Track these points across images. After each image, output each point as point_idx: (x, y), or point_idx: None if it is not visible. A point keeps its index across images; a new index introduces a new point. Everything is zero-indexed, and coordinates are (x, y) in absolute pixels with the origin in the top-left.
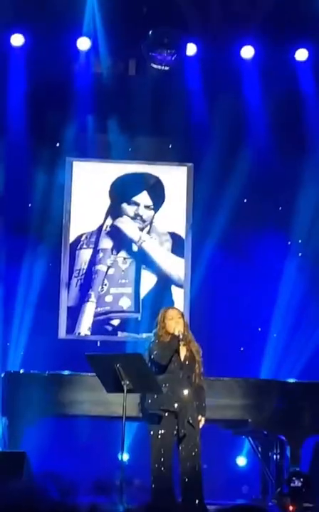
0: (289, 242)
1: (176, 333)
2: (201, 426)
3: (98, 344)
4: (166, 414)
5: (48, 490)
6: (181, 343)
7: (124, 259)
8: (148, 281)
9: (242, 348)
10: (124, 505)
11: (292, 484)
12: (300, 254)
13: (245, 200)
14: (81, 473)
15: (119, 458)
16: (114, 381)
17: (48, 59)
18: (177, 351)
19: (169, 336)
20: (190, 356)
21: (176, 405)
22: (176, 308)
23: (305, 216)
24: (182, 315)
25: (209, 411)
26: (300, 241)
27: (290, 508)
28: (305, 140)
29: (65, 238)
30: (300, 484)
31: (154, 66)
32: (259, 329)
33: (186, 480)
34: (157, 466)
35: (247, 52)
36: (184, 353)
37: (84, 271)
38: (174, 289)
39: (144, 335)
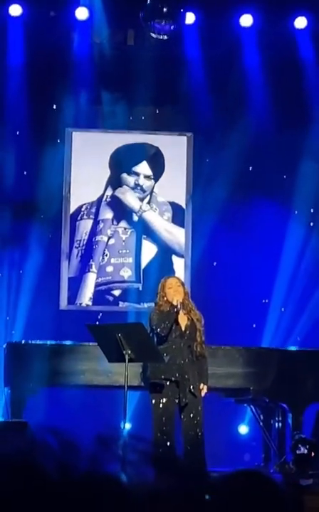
0: (296, 212)
1: (174, 303)
2: (203, 394)
3: (99, 316)
4: (168, 383)
5: (49, 445)
6: (183, 312)
7: (125, 229)
8: (149, 251)
9: (254, 325)
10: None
11: (297, 451)
12: (311, 224)
13: (250, 168)
14: (84, 440)
15: (122, 427)
16: (115, 351)
17: (46, 29)
18: (176, 320)
19: (169, 305)
20: (191, 325)
21: (177, 374)
22: (176, 277)
23: (313, 185)
24: (182, 283)
25: (211, 379)
26: (312, 210)
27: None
28: (306, 108)
29: (65, 209)
30: (305, 451)
31: (153, 35)
32: (265, 301)
33: (189, 448)
34: (159, 434)
35: (246, 20)
36: (185, 321)
37: (84, 242)
38: (174, 258)
39: (146, 305)
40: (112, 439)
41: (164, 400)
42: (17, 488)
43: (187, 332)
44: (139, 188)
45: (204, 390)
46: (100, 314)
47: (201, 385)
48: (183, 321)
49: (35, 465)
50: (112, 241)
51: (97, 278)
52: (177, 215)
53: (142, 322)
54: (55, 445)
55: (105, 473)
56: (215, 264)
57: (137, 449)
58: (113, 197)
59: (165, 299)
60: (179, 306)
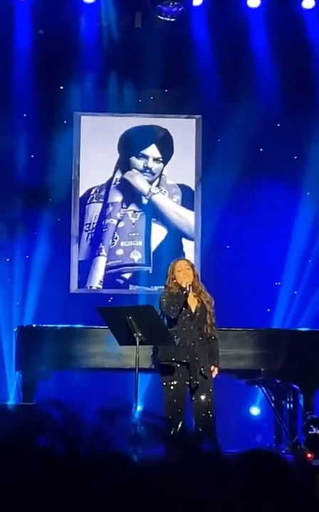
0: (308, 193)
1: (183, 285)
2: (214, 376)
3: (110, 300)
4: (179, 365)
5: (51, 417)
6: (192, 294)
7: (134, 212)
8: (158, 234)
9: (269, 309)
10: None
11: (310, 432)
12: None
13: (261, 150)
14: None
15: (133, 409)
16: (126, 333)
17: (53, 12)
18: (186, 303)
19: (179, 288)
20: (201, 307)
21: (188, 356)
22: (186, 260)
23: None
24: (192, 266)
25: (222, 361)
26: None
27: (309, 455)
28: (315, 88)
29: (74, 193)
30: (318, 431)
31: (161, 18)
32: (277, 283)
33: (200, 430)
34: (170, 417)
35: (253, 1)
36: (195, 304)
37: (94, 225)
38: (184, 241)
39: (156, 288)
40: (119, 412)
41: (175, 382)
42: (21, 464)
43: (197, 314)
44: (148, 170)
45: (214, 371)
46: (111, 298)
47: (212, 366)
48: (193, 303)
49: (38, 442)
50: (121, 224)
51: (107, 261)
52: (187, 198)
53: (153, 305)
54: (58, 418)
55: (112, 448)
56: (228, 247)
57: (149, 424)
58: (122, 180)
59: (175, 281)
60: (188, 289)
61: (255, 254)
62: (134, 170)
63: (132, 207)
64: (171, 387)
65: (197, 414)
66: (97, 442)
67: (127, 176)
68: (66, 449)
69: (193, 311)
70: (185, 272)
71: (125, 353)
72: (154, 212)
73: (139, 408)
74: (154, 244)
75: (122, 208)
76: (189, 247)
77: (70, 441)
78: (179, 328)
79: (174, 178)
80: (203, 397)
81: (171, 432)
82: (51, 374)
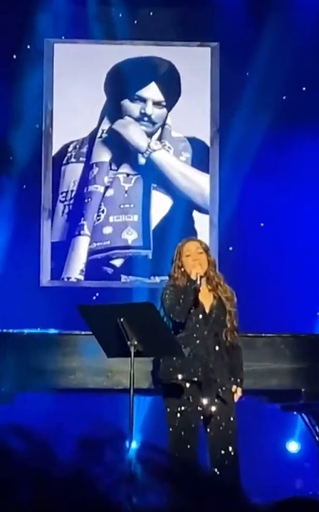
0: None
1: (193, 276)
2: (236, 400)
3: (95, 296)
4: (188, 385)
5: (12, 447)
6: (207, 287)
7: (128, 175)
8: (161, 205)
9: None
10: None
11: None
12: None
13: (304, 89)
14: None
15: (126, 446)
16: (117, 341)
17: None
18: (197, 300)
19: (188, 280)
20: (218, 306)
21: (200, 373)
22: (198, 241)
23: None
24: (205, 249)
25: (248, 379)
26: None
27: None
28: None
29: (45, 150)
30: None
31: None
32: None
33: (218, 472)
34: (177, 454)
35: None
36: (210, 301)
37: (73, 194)
38: (196, 215)
39: (158, 279)
40: (106, 443)
41: (184, 408)
42: None
43: (213, 315)
44: (146, 119)
45: (237, 393)
46: (97, 294)
47: (234, 386)
48: (207, 300)
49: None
50: (110, 192)
51: (90, 243)
52: (199, 156)
53: (153, 302)
54: (21, 449)
55: (95, 493)
56: (263, 225)
57: (148, 461)
58: (111, 132)
59: (182, 270)
60: (199, 281)
61: (294, 232)
62: (127, 118)
63: (125, 169)
64: (178, 415)
65: (214, 451)
66: (75, 484)
67: (118, 126)
68: (31, 491)
69: (207, 310)
70: (196, 258)
71: (116, 368)
72: (154, 176)
73: (134, 444)
74: (155, 219)
75: (111, 170)
76: (203, 223)
77: (37, 481)
78: (189, 334)
79: (182, 129)
80: (221, 428)
81: (178, 472)
82: (15, 397)
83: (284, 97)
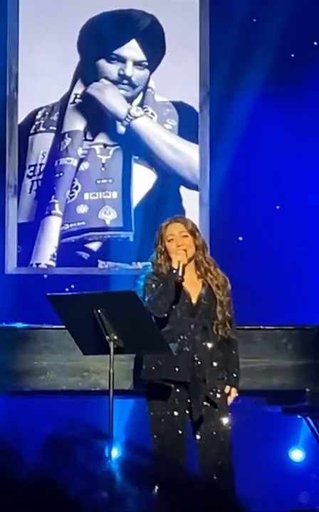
0: None
1: (174, 265)
2: (230, 401)
3: (71, 287)
4: (174, 385)
5: None
6: (196, 274)
7: (105, 146)
8: (143, 180)
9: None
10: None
11: None
12: None
13: (315, 44)
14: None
15: (106, 455)
16: (93, 336)
17: None
18: (181, 290)
19: (170, 267)
20: (207, 295)
21: (187, 372)
22: (183, 221)
23: None
24: (192, 231)
25: (244, 378)
26: None
27: None
28: None
29: (10, 118)
30: None
31: None
32: None
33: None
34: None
35: None
36: (197, 289)
37: (42, 167)
38: (183, 191)
39: (140, 264)
40: (80, 442)
41: (169, 412)
42: None
43: (201, 306)
44: (126, 81)
45: (232, 394)
46: (72, 285)
47: (227, 387)
48: (194, 288)
49: None
50: (85, 166)
51: (63, 224)
52: (187, 124)
53: (135, 291)
54: None
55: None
56: (278, 207)
57: (130, 463)
58: (86, 96)
59: (165, 255)
60: (180, 271)
61: (295, 209)
62: (103, 80)
63: (101, 138)
64: (163, 420)
65: (204, 460)
66: (42, 490)
67: (93, 89)
68: None
69: (194, 301)
70: (179, 240)
71: (93, 366)
72: (136, 147)
73: (115, 453)
74: (137, 196)
75: (86, 140)
76: (192, 201)
77: None
78: (173, 328)
79: (167, 92)
80: (213, 436)
81: (165, 473)
82: None
83: (292, 55)
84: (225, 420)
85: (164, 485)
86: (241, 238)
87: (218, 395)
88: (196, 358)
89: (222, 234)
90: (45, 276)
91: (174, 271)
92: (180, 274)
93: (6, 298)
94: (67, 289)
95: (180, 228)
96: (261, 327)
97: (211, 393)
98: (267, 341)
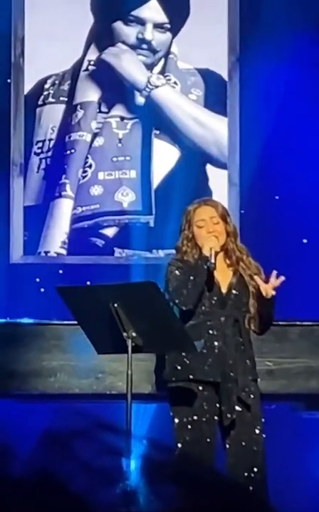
0: None
1: (206, 253)
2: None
3: (81, 279)
4: (201, 387)
5: None
6: (225, 262)
7: (122, 119)
8: (165, 158)
9: None
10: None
11: None
12: None
13: None
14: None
15: (124, 466)
16: (109, 333)
17: None
18: (212, 279)
19: (199, 255)
20: (238, 285)
21: (216, 371)
22: (213, 204)
23: None
24: (223, 215)
25: (280, 379)
26: None
27: None
28: None
29: (15, 87)
30: None
31: None
32: None
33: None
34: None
35: None
36: (228, 279)
37: (51, 143)
38: (210, 170)
39: (162, 253)
40: (84, 432)
41: (196, 417)
42: None
43: (231, 297)
44: (145, 46)
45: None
46: (85, 277)
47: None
48: (224, 277)
49: None
50: (99, 141)
51: (74, 207)
52: (214, 94)
53: (156, 282)
54: None
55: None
56: (281, 179)
57: (155, 462)
58: (100, 63)
59: (193, 242)
60: (213, 259)
61: None
62: (120, 45)
63: (118, 111)
64: (189, 426)
65: (235, 470)
66: (40, 486)
67: (109, 55)
68: None
69: (224, 291)
70: (210, 226)
71: (108, 367)
72: (156, 120)
73: (133, 464)
74: (159, 176)
75: (101, 112)
76: (220, 180)
77: None
78: (200, 322)
79: (192, 59)
80: (244, 443)
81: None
82: None
83: None
84: (258, 425)
85: (190, 498)
86: (256, 211)
87: (252, 396)
88: (227, 354)
89: (254, 218)
90: (55, 265)
91: (207, 259)
92: (212, 261)
93: (11, 290)
94: (79, 281)
95: (211, 213)
96: (298, 323)
97: (243, 393)
98: (304, 339)
